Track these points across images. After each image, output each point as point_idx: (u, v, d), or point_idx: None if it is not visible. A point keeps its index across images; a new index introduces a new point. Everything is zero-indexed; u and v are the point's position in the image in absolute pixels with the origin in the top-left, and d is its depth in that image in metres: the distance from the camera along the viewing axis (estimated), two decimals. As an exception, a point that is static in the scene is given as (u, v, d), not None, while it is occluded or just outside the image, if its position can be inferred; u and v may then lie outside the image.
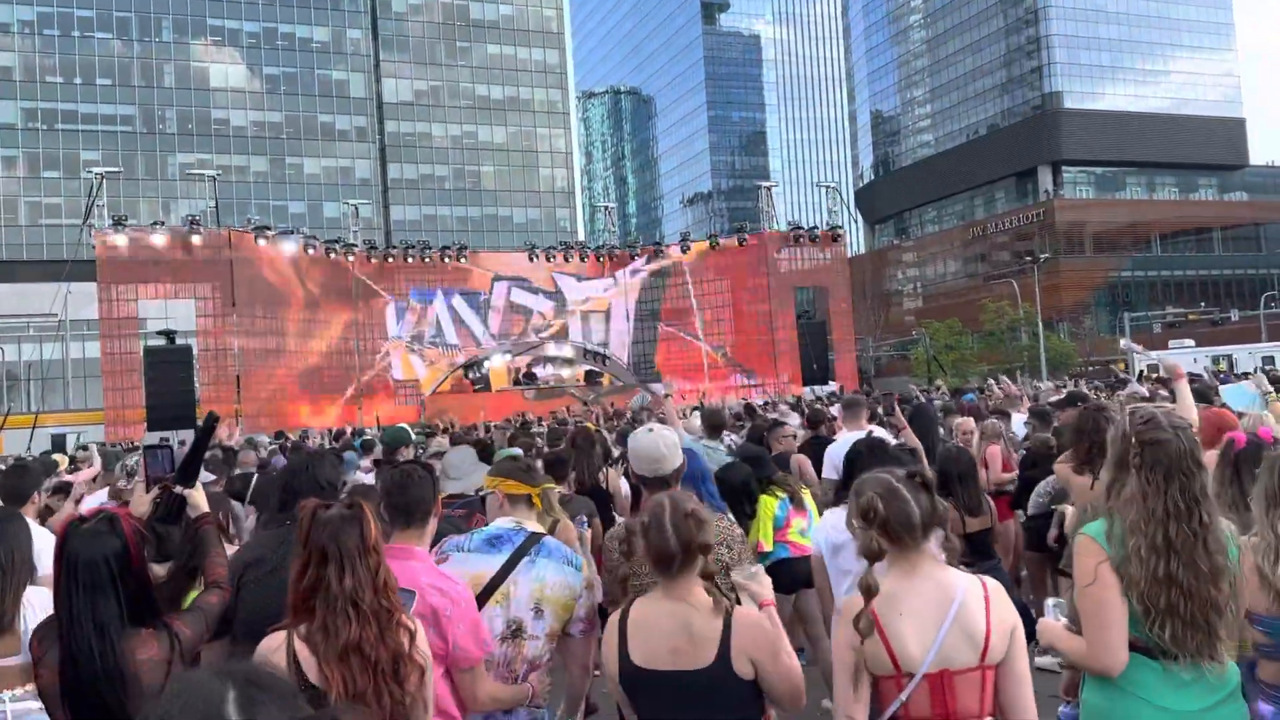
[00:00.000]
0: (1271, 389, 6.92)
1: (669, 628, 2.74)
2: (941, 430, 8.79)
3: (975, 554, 5.24)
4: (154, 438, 23.77)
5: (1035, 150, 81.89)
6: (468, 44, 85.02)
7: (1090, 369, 49.10)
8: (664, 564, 2.77)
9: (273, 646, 2.52)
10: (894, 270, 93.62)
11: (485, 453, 7.71)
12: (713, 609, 2.73)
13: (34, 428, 30.22)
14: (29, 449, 23.29)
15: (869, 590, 2.54)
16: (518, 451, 5.74)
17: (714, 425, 8.29)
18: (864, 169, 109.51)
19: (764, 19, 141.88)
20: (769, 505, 5.97)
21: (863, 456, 4.31)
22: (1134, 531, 2.71)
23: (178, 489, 3.14)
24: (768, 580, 2.99)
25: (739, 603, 2.89)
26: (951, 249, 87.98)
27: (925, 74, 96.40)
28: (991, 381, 18.15)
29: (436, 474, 3.65)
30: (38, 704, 3.26)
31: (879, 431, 7.00)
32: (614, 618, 2.86)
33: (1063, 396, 8.54)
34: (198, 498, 3.17)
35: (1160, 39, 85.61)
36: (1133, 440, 2.78)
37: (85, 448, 17.47)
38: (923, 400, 11.19)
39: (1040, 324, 55.26)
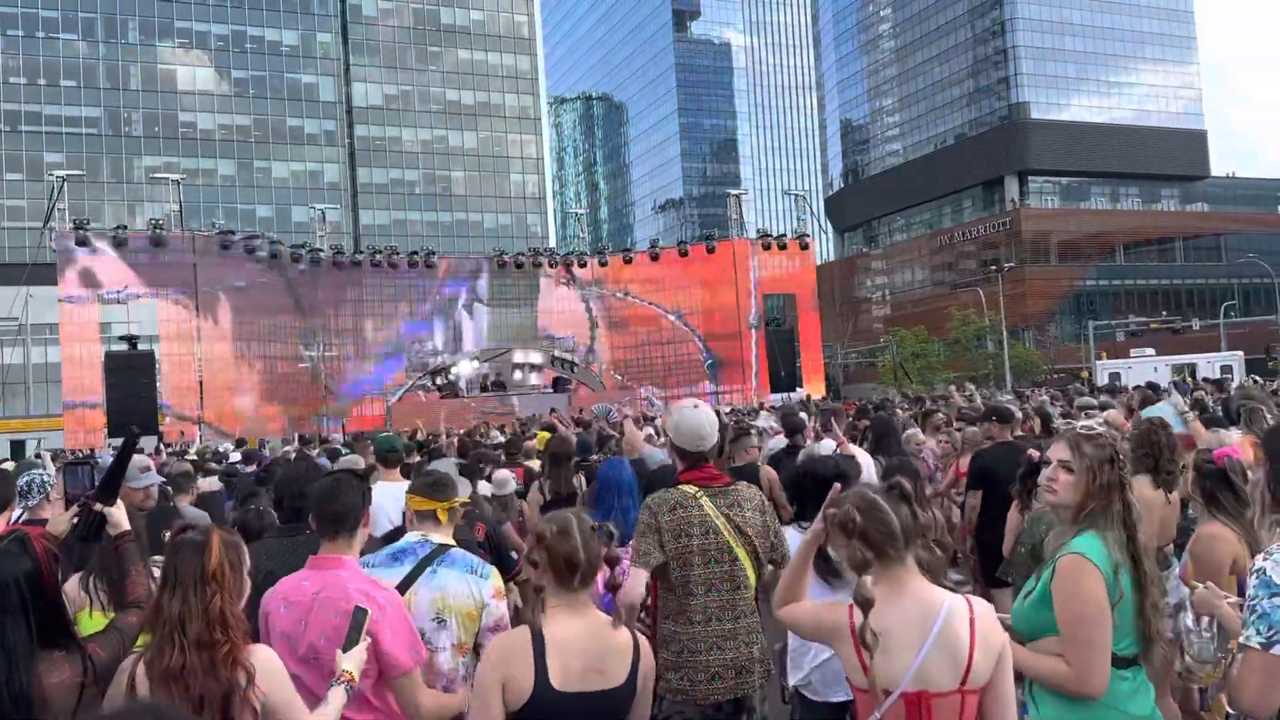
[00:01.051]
0: (1188, 409, 7.02)
1: (590, 648, 2.65)
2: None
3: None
4: (111, 446, 23.50)
5: (1002, 160, 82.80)
6: (439, 49, 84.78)
7: (1054, 377, 49.67)
8: (568, 576, 2.69)
9: (124, 666, 2.53)
10: (863, 278, 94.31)
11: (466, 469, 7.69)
12: (614, 625, 2.72)
13: (-8, 434, 29.73)
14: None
15: (866, 603, 2.46)
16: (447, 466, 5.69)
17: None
18: (833, 177, 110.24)
19: (735, 27, 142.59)
20: None
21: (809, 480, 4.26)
22: (1140, 547, 2.83)
23: (97, 506, 3.06)
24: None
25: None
26: (919, 257, 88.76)
27: (894, 83, 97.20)
28: (953, 389, 18.36)
29: (368, 484, 3.62)
30: None
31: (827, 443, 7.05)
32: (518, 638, 2.68)
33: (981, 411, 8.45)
34: (118, 515, 3.11)
35: (1124, 51, 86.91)
36: (1120, 460, 2.87)
37: (39, 455, 17.21)
38: (883, 413, 11.24)
39: (1005, 332, 55.85)
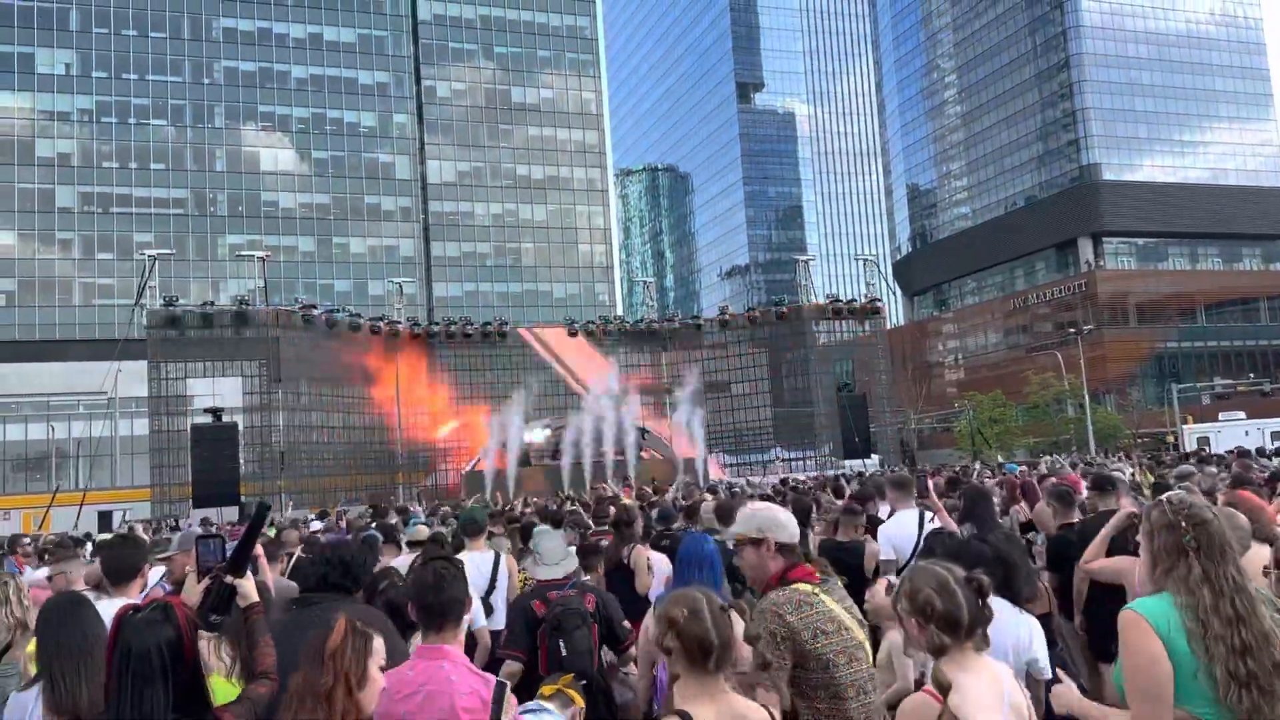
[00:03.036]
0: (1136, 480, 6.78)
1: None
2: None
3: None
4: (198, 516, 24.06)
5: (1075, 221, 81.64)
6: (509, 126, 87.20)
7: (1139, 442, 48.15)
8: (706, 658, 2.66)
9: None
10: (934, 342, 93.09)
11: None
12: (757, 711, 2.68)
13: (82, 505, 30.65)
14: (75, 527, 23.59)
15: (945, 687, 2.53)
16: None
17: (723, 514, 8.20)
18: (901, 241, 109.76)
19: (799, 97, 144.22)
20: None
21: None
22: (1204, 608, 2.74)
23: (228, 579, 3.12)
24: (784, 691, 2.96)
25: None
26: (992, 320, 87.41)
27: (960, 148, 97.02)
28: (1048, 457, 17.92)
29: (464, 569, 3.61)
30: None
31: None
32: None
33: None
34: (248, 587, 3.14)
35: (1196, 110, 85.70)
36: (1182, 524, 2.82)
37: (131, 527, 17.69)
38: (974, 482, 10.95)
39: (1086, 396, 54.44)
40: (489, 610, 6.33)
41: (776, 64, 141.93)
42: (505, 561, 6.87)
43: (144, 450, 34.65)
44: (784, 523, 3.58)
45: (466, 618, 3.28)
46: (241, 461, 29.92)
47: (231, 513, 26.20)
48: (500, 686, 2.78)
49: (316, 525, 15.60)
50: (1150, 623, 2.75)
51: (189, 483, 28.58)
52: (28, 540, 12.13)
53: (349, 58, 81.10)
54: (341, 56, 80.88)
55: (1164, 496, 2.99)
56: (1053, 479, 10.29)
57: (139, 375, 33.02)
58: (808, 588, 3.40)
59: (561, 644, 4.56)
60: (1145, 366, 75.40)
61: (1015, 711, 2.68)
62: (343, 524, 16.40)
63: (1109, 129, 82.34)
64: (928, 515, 6.77)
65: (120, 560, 4.49)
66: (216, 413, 29.24)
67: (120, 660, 2.66)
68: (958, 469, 20.32)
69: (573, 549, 5.44)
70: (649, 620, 3.84)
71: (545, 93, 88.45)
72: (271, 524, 16.80)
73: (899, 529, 6.69)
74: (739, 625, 2.84)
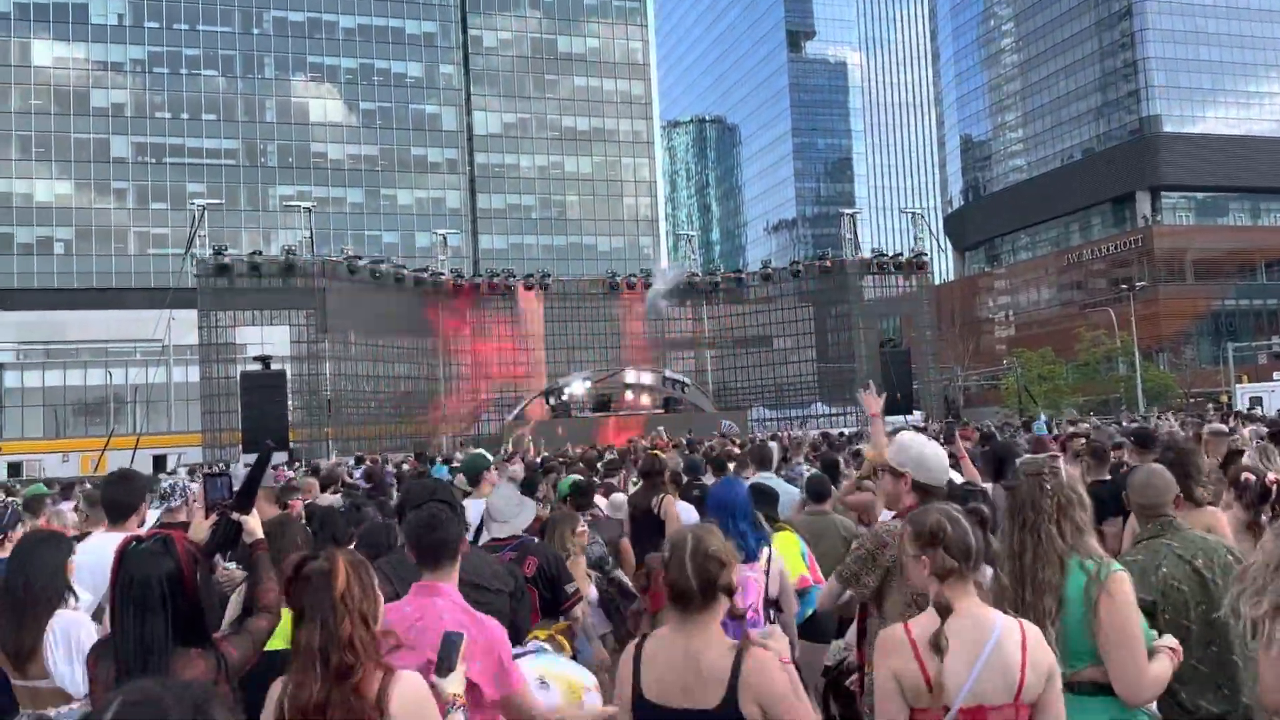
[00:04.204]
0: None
1: (679, 663, 2.71)
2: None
3: None
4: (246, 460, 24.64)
5: (1133, 175, 79.47)
6: (555, 76, 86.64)
7: (1190, 402, 47.22)
8: (681, 602, 2.76)
9: (273, 694, 2.48)
10: (984, 298, 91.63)
11: (529, 486, 7.92)
12: (725, 647, 2.72)
13: (136, 448, 31.52)
14: (129, 467, 24.35)
15: (945, 609, 2.58)
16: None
17: (761, 459, 8.28)
18: (953, 194, 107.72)
19: (850, 45, 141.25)
20: (789, 543, 5.57)
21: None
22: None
23: (235, 515, 3.21)
24: (784, 639, 2.93)
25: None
26: (1045, 276, 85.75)
27: (1017, 98, 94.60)
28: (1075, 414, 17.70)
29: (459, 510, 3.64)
30: None
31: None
32: (629, 647, 2.88)
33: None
34: (253, 524, 3.22)
35: (1262, 60, 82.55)
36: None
37: (173, 472, 18.17)
38: (1000, 436, 10.88)
39: (1138, 354, 53.40)
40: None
41: (828, 11, 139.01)
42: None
43: (196, 396, 35.49)
44: (929, 463, 3.70)
45: (459, 559, 3.30)
46: (290, 408, 30.53)
47: (280, 457, 26.82)
48: (456, 636, 2.79)
49: (359, 473, 15.95)
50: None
51: (239, 428, 29.27)
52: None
53: (396, 7, 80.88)
54: (389, 6, 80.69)
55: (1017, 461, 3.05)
56: (1082, 439, 10.21)
57: (190, 323, 33.72)
58: None
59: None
60: (1201, 324, 73.64)
61: (998, 665, 2.57)
62: (388, 469, 16.76)
63: (1171, 79, 79.67)
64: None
65: (118, 497, 4.58)
66: (265, 360, 29.78)
67: (122, 590, 2.74)
68: (994, 426, 20.13)
69: (529, 502, 5.24)
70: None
71: (591, 42, 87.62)
72: (315, 470, 17.21)
73: None
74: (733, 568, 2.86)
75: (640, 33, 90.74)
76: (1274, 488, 3.90)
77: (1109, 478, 6.76)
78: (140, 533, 3.28)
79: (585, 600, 5.12)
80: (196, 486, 4.95)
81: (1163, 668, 2.93)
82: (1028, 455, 3.70)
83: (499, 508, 4.94)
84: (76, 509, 7.31)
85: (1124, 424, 17.46)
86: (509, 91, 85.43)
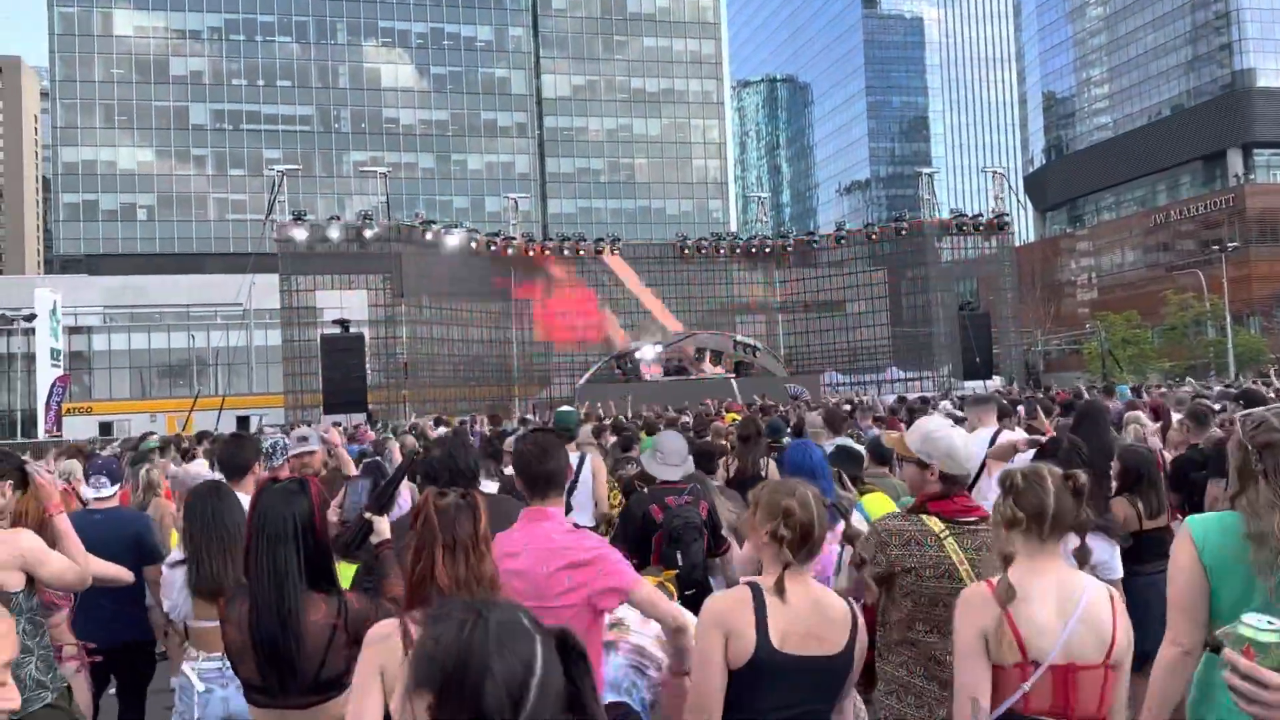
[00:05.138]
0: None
1: (806, 612, 2.68)
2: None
3: (1149, 554, 4.90)
4: (328, 420, 25.12)
5: (1224, 132, 76.18)
6: (625, 38, 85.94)
7: (1286, 366, 45.37)
8: (810, 547, 2.73)
9: (385, 633, 2.45)
10: (1066, 260, 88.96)
11: (626, 444, 8.01)
12: (834, 594, 2.77)
13: (221, 409, 32.41)
14: (216, 428, 24.97)
15: (1007, 559, 2.61)
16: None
17: (831, 422, 8.22)
18: (1034, 153, 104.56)
19: (927, 0, 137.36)
20: (883, 504, 5.46)
21: None
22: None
23: (368, 515, 3.28)
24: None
25: None
26: (1130, 237, 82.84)
27: (1103, 52, 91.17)
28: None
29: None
30: (220, 664, 3.52)
31: (1011, 435, 6.49)
32: (742, 595, 2.71)
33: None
34: (382, 525, 3.28)
35: (1368, 8, 78.16)
36: (1249, 447, 2.62)
37: (262, 431, 18.60)
38: (1096, 399, 10.49)
39: (1229, 318, 51.45)
40: (568, 509, 6.44)
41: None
42: (590, 462, 7.01)
43: (277, 359, 36.29)
44: (958, 454, 3.43)
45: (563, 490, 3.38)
46: (368, 371, 31.06)
47: (360, 418, 27.32)
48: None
49: (439, 433, 16.06)
50: (1192, 534, 2.67)
51: (319, 390, 29.89)
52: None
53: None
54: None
55: (1243, 413, 2.77)
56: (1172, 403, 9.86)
57: (271, 287, 34.37)
58: (937, 526, 3.28)
59: (679, 555, 4.63)
60: (1296, 287, 70.63)
61: (1091, 623, 2.58)
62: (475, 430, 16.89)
63: (1266, 31, 76.02)
64: (1004, 433, 6.41)
65: (234, 457, 4.80)
66: (344, 324, 30.27)
67: (258, 523, 2.90)
68: (1084, 388, 19.52)
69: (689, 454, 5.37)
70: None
71: (661, 1, 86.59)
72: (394, 430, 17.40)
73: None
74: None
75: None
76: None
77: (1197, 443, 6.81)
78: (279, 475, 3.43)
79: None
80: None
81: None
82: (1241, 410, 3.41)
83: (673, 449, 5.09)
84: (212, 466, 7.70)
85: (1216, 389, 16.78)
86: (578, 54, 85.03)
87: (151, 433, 15.42)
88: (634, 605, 3.18)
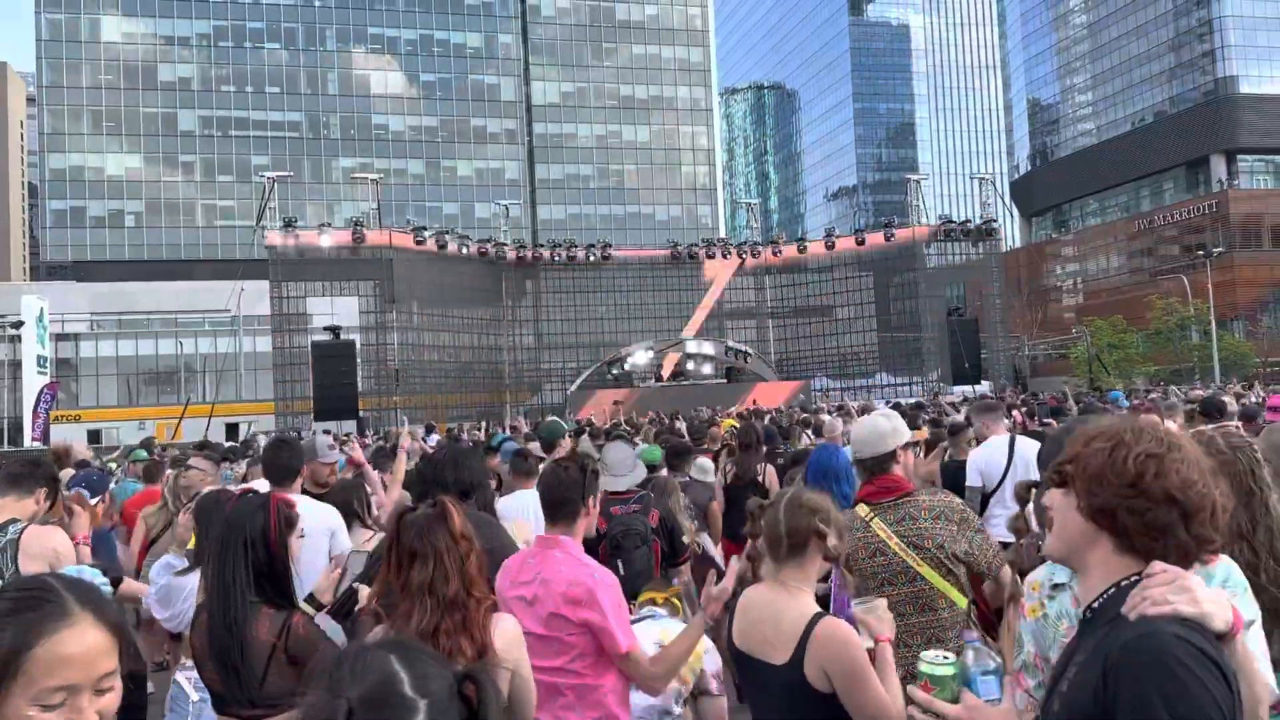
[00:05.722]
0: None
1: (762, 616, 2.79)
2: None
3: None
4: (319, 428, 25.14)
5: (1208, 138, 76.80)
6: (614, 45, 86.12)
7: (1267, 371, 45.82)
8: (770, 548, 2.84)
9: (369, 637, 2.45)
10: (1052, 265, 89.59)
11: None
12: (806, 609, 2.72)
13: (210, 416, 32.36)
14: (205, 436, 24.98)
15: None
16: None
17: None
18: (1019, 160, 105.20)
19: (913, 8, 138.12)
20: None
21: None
22: None
23: (358, 585, 3.38)
24: (888, 615, 2.79)
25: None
26: (1115, 243, 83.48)
27: (1086, 60, 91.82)
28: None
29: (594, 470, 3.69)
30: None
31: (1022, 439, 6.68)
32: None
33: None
34: (366, 594, 3.29)
35: (1350, 15, 78.97)
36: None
37: (256, 435, 18.60)
38: (1093, 402, 10.68)
39: (1213, 322, 51.90)
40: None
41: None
42: None
43: (267, 365, 36.25)
44: (860, 441, 3.63)
45: (584, 519, 3.38)
46: (359, 377, 31.05)
47: (350, 425, 27.33)
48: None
49: (432, 441, 16.15)
50: None
51: (310, 396, 29.87)
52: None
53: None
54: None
55: (1193, 431, 2.86)
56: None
57: (261, 294, 34.34)
58: (864, 510, 3.49)
59: (620, 564, 4.57)
60: (1278, 291, 71.22)
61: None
62: (465, 437, 16.98)
63: (1248, 38, 76.61)
64: (1019, 440, 6.58)
65: (280, 462, 4.75)
66: (335, 330, 30.25)
67: (213, 533, 3.04)
68: (1069, 394, 19.69)
69: (639, 461, 5.36)
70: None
71: (650, 9, 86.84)
72: (384, 436, 17.44)
73: (987, 454, 6.45)
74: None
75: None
76: None
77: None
78: (289, 497, 3.43)
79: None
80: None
81: None
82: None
83: (617, 461, 5.09)
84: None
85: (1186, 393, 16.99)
86: (567, 60, 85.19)
87: (150, 438, 15.46)
88: (623, 670, 3.10)
